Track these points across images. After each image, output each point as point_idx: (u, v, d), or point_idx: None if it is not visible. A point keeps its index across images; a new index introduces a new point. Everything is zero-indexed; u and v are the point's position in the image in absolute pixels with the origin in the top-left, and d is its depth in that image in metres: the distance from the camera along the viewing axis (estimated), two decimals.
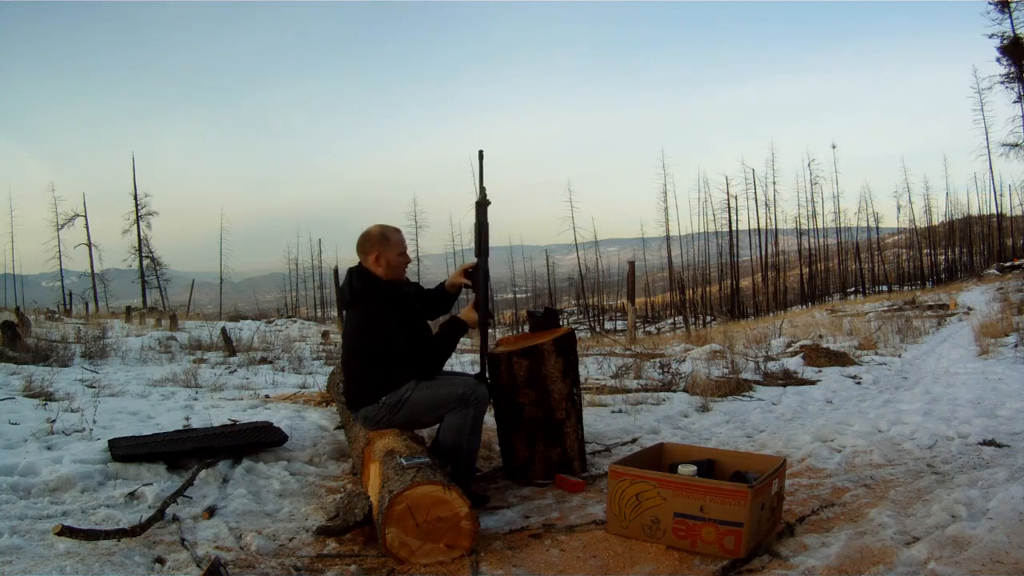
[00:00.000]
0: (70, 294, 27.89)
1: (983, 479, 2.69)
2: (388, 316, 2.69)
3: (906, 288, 33.68)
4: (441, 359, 2.78)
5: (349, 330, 2.82)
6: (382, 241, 2.77)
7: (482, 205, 2.86)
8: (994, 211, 39.05)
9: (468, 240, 41.80)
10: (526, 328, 3.44)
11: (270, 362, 8.01)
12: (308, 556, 2.16)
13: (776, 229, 39.68)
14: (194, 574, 1.97)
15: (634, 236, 46.05)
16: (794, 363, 6.91)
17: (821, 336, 9.93)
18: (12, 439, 3.12)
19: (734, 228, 38.84)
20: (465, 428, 2.67)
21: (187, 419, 3.84)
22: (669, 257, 39.32)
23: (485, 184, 2.88)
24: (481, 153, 2.90)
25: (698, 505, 2.11)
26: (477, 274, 2.88)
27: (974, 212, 42.32)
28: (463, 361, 7.42)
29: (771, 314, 26.59)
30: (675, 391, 5.34)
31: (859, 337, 9.56)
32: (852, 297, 32.22)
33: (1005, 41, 22.47)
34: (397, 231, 2.83)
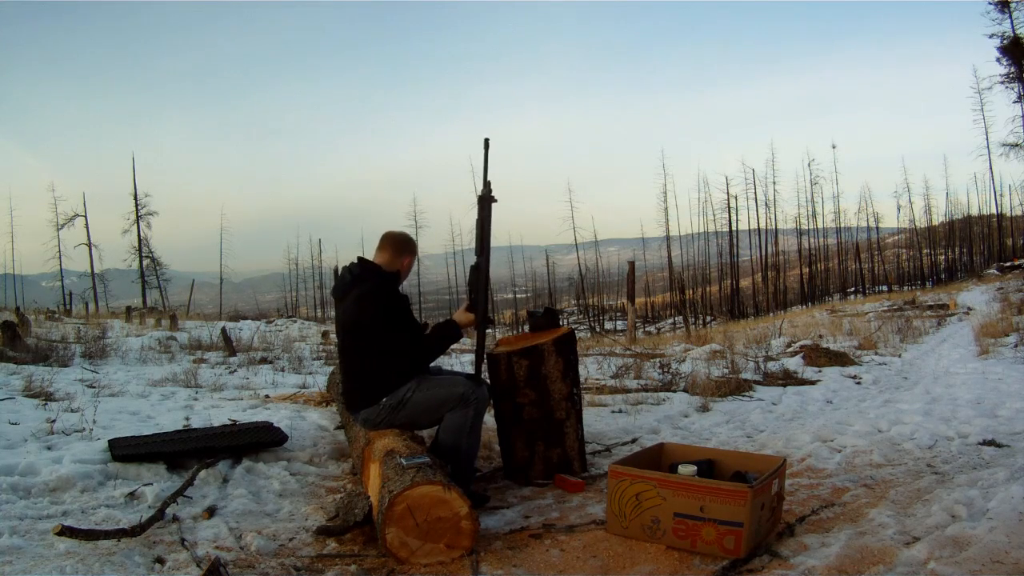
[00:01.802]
0: (70, 294, 27.88)
1: (983, 479, 2.69)
2: (380, 296, 2.70)
3: (906, 288, 33.67)
4: (425, 357, 2.79)
5: (344, 316, 2.79)
6: (413, 248, 2.93)
7: (486, 200, 2.75)
8: (994, 211, 39.10)
9: (468, 240, 41.76)
10: (526, 328, 3.44)
11: (270, 362, 8.01)
12: (308, 556, 2.16)
13: (776, 229, 39.69)
14: (194, 574, 1.97)
15: (634, 236, 46.08)
16: (794, 363, 6.91)
17: (821, 336, 9.93)
18: (12, 439, 3.12)
19: (734, 228, 38.86)
20: (464, 428, 2.67)
21: (187, 419, 3.84)
22: (669, 257, 39.32)
23: (490, 178, 2.75)
24: (487, 142, 2.76)
25: (698, 505, 2.11)
26: (478, 273, 2.82)
27: (974, 212, 42.39)
28: (463, 361, 7.42)
29: (771, 314, 26.59)
30: (675, 391, 5.34)
31: (859, 337, 9.56)
32: (852, 297, 32.21)
33: (1005, 41, 22.42)
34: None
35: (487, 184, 2.76)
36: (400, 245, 2.87)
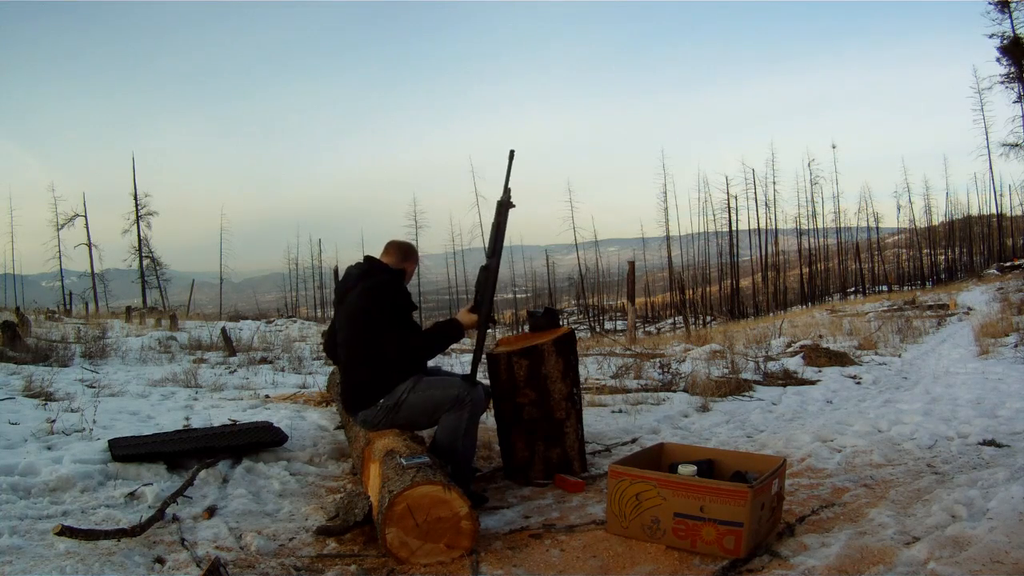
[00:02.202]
0: (70, 294, 27.86)
1: (983, 479, 2.69)
2: (390, 289, 2.75)
3: (906, 288, 33.66)
4: (425, 353, 2.81)
5: (350, 307, 2.81)
6: (416, 257, 3.04)
7: (504, 205, 2.83)
8: (994, 211, 39.07)
9: (468, 240, 41.80)
10: (526, 328, 3.44)
11: (270, 362, 8.01)
12: (308, 556, 2.16)
13: (776, 229, 39.70)
14: (194, 574, 1.98)
15: (634, 236, 46.07)
16: (794, 363, 6.91)
17: (821, 336, 9.93)
18: (12, 439, 3.12)
19: (734, 228, 38.86)
20: (460, 430, 2.67)
21: (187, 419, 3.84)
22: (669, 257, 39.32)
23: (510, 185, 2.85)
24: (512, 153, 2.87)
25: (698, 505, 2.11)
26: (487, 274, 2.85)
27: (974, 212, 42.35)
28: (463, 361, 7.42)
29: (771, 314, 26.58)
30: (675, 391, 5.34)
31: (859, 337, 9.56)
32: (852, 297, 32.21)
33: (1005, 41, 22.40)
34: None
35: (507, 191, 2.84)
36: (405, 252, 2.97)
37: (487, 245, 2.87)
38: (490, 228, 2.88)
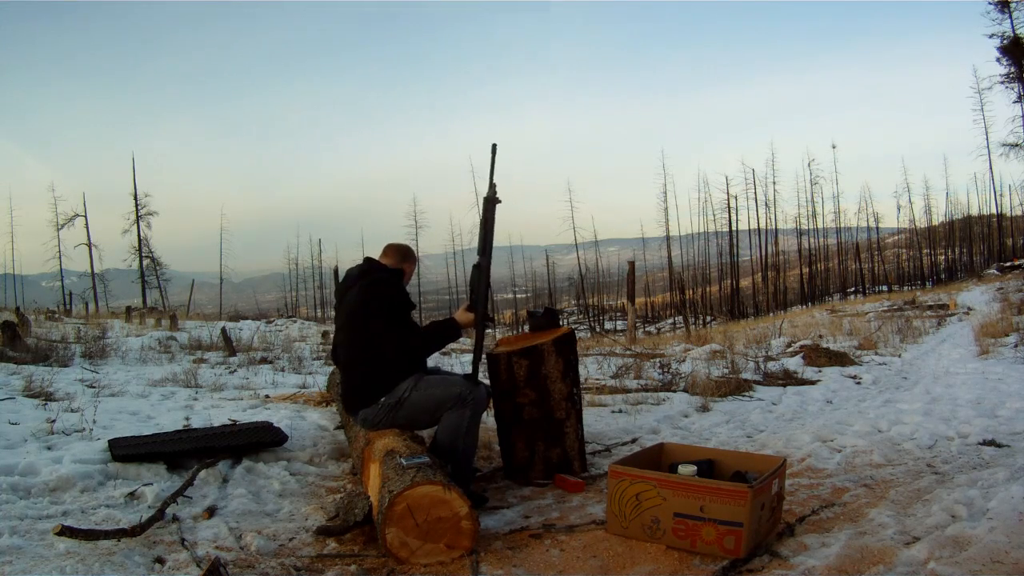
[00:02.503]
0: (70, 294, 27.86)
1: (983, 479, 2.69)
2: (389, 287, 2.77)
3: (906, 288, 33.65)
4: (422, 352, 2.82)
5: (350, 304, 2.82)
6: (415, 258, 3.06)
7: (490, 201, 2.81)
8: (994, 211, 39.07)
9: (468, 240, 41.81)
10: (526, 328, 3.44)
11: (270, 362, 8.01)
12: (308, 556, 2.16)
13: (776, 229, 39.69)
14: (194, 574, 1.98)
15: (634, 236, 46.07)
16: (794, 363, 6.91)
17: (821, 336, 9.93)
18: (12, 439, 3.11)
19: (734, 228, 38.86)
20: (461, 428, 2.67)
21: (187, 419, 3.83)
22: (669, 257, 39.32)
23: (495, 180, 2.82)
24: (494, 147, 2.86)
25: (698, 505, 2.11)
26: (479, 273, 2.84)
27: (974, 212, 42.35)
28: (463, 361, 7.42)
29: (771, 314, 26.58)
30: (675, 391, 5.34)
31: (859, 337, 9.55)
32: (852, 297, 32.20)
33: (1005, 41, 22.41)
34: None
35: (492, 186, 2.82)
36: (403, 253, 3.00)
37: (478, 243, 2.86)
38: (479, 226, 2.86)
